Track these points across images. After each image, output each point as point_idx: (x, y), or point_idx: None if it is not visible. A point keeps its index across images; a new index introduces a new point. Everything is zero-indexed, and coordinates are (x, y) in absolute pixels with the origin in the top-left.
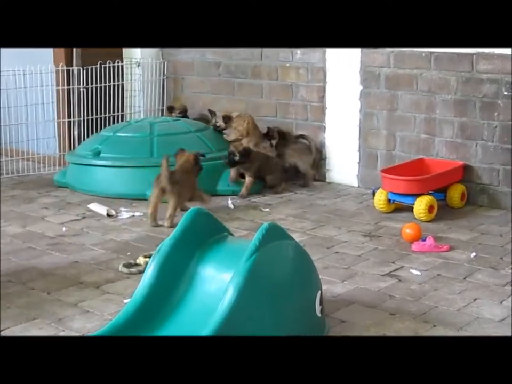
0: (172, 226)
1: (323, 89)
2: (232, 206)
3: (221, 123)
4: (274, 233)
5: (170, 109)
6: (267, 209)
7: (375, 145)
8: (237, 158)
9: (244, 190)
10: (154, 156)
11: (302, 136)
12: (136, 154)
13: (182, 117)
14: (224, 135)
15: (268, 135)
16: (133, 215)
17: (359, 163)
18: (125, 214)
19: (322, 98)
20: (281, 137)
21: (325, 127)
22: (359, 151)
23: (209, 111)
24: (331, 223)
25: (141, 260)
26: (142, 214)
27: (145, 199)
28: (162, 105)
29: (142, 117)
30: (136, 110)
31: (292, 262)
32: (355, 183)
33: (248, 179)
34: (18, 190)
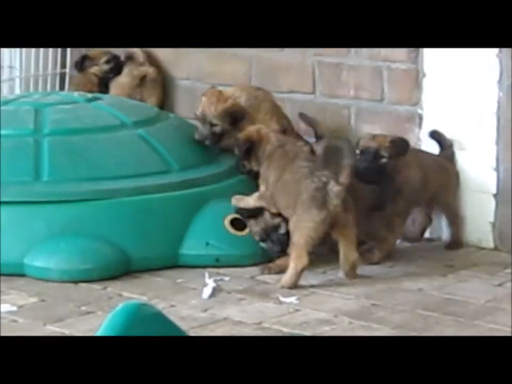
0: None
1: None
2: (209, 292)
3: (216, 122)
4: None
5: (82, 64)
6: (291, 299)
7: None
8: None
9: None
10: (44, 178)
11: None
12: (5, 175)
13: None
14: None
15: (316, 133)
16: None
17: (496, 199)
18: None
19: (415, 53)
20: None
21: (421, 115)
22: (496, 170)
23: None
24: (433, 333)
25: None
26: (17, 307)
27: (24, 275)
28: (63, 66)
29: (17, 91)
30: (4, 75)
31: None
32: (489, 241)
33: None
34: None
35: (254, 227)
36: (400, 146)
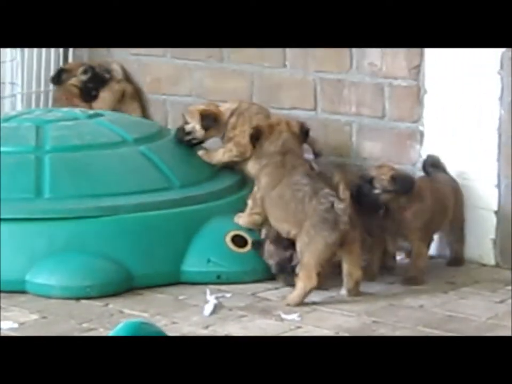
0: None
1: (419, 53)
2: (210, 309)
3: (196, 129)
4: None
5: (59, 77)
6: (293, 317)
7: None
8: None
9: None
10: (45, 195)
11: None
12: (7, 192)
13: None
14: (201, 152)
15: (314, 151)
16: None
17: (497, 215)
18: None
19: (417, 70)
20: None
21: (422, 132)
22: (497, 186)
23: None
24: None
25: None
26: (18, 324)
27: (26, 292)
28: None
29: (18, 107)
30: (6, 91)
31: None
32: (490, 258)
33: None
34: None
35: (269, 260)
36: (401, 184)
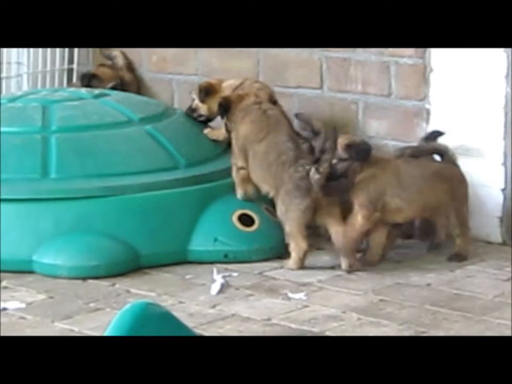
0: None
1: None
2: (217, 289)
3: (199, 105)
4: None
5: (88, 80)
6: (300, 296)
7: None
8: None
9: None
10: (52, 175)
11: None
12: (13, 172)
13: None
14: (207, 130)
15: (313, 130)
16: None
17: (503, 193)
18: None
19: (423, 48)
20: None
21: (428, 110)
22: (504, 165)
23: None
24: (441, 328)
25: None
26: (26, 304)
27: (33, 272)
28: (71, 61)
29: (25, 87)
30: (12, 71)
31: None
32: (497, 235)
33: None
34: None
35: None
36: (355, 151)
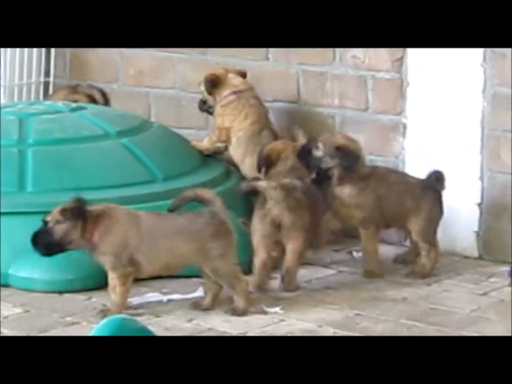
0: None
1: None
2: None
3: (206, 96)
4: None
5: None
6: (276, 309)
7: None
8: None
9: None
10: (28, 189)
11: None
12: None
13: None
14: (194, 142)
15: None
16: None
17: (480, 208)
18: None
19: (400, 63)
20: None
21: (405, 124)
22: (481, 179)
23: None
24: None
25: None
26: (2, 318)
27: (9, 285)
28: (47, 74)
29: (1, 100)
30: None
31: None
32: (473, 250)
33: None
34: None
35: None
36: (343, 155)
